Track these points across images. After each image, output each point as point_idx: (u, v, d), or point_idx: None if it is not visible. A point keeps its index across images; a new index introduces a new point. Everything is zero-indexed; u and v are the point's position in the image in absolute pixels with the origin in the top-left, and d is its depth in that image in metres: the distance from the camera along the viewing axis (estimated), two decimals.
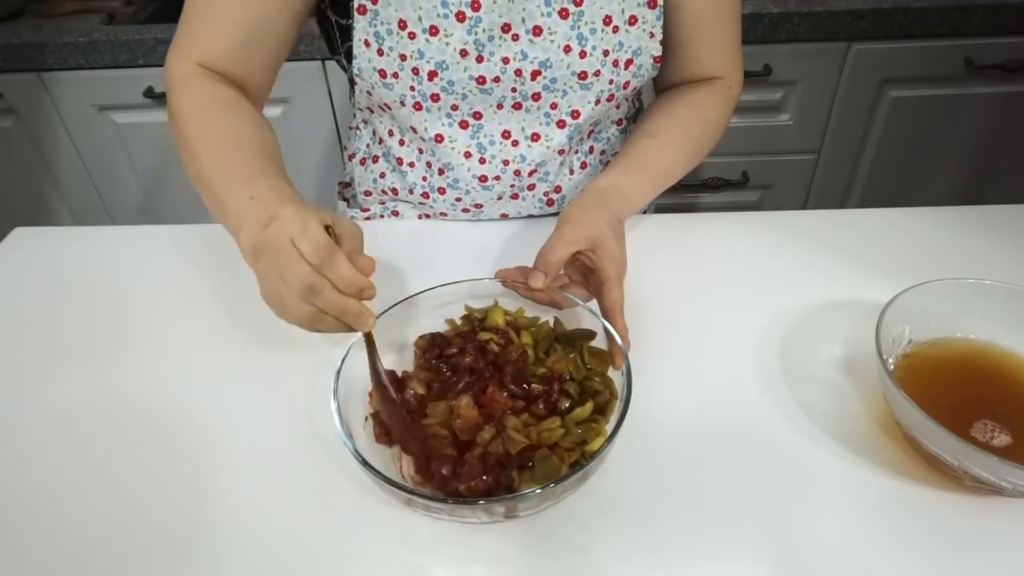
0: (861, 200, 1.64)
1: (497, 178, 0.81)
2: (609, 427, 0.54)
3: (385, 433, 0.56)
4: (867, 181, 1.60)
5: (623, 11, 0.71)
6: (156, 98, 1.41)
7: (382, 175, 0.87)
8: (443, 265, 0.77)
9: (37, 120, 1.48)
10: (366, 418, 0.57)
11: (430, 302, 0.64)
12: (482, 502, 0.49)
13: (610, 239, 0.64)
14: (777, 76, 1.42)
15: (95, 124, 1.48)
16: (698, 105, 0.80)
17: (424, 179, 0.84)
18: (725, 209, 1.20)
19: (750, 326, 0.68)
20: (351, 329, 0.55)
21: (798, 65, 1.41)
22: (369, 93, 0.76)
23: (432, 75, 0.71)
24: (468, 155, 0.79)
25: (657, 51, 0.75)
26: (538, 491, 0.47)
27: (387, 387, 0.57)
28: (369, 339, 0.56)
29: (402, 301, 0.62)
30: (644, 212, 0.93)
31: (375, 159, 0.87)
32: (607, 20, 0.70)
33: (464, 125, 0.77)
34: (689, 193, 1.63)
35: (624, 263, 0.65)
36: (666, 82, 0.84)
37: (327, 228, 0.54)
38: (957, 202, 1.35)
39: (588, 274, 0.66)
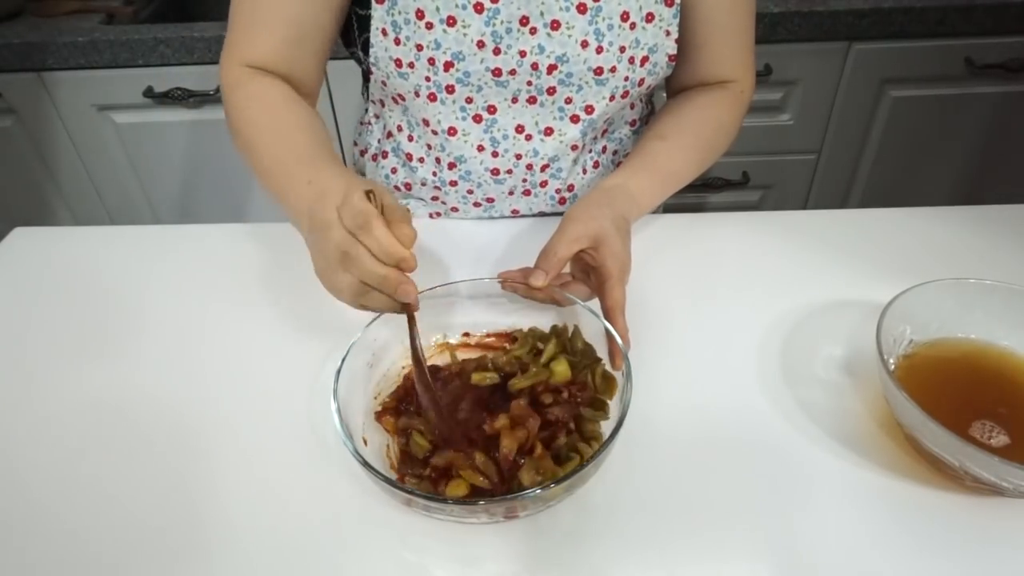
0: (861, 200, 1.63)
1: (509, 172, 0.81)
2: (609, 427, 0.54)
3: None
4: (867, 181, 1.60)
5: (640, 8, 0.71)
6: (156, 98, 1.41)
7: (393, 170, 0.87)
8: (451, 263, 0.77)
9: (37, 120, 1.48)
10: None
11: (431, 301, 0.64)
12: (482, 503, 0.49)
13: (612, 236, 0.64)
14: (778, 76, 1.42)
15: (95, 124, 1.48)
16: (709, 108, 0.80)
17: (434, 174, 0.84)
18: (725, 209, 1.20)
19: (750, 326, 0.68)
20: (399, 306, 0.53)
21: (799, 65, 1.41)
22: (384, 84, 0.76)
23: (448, 66, 0.71)
24: (481, 148, 0.79)
25: (673, 49, 0.75)
26: (538, 491, 0.47)
27: (423, 364, 0.56)
28: (410, 313, 0.54)
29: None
30: (653, 213, 0.93)
31: (385, 154, 0.87)
32: (624, 16, 0.70)
33: (478, 119, 0.77)
34: (690, 193, 1.63)
35: (627, 262, 0.65)
36: (679, 84, 0.84)
37: (369, 194, 0.53)
38: (957, 202, 1.35)
39: (591, 272, 0.66)
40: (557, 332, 0.62)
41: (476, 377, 0.59)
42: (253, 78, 0.72)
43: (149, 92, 1.41)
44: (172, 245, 0.82)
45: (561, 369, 0.58)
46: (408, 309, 0.54)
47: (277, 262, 0.78)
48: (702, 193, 1.64)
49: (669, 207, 0.93)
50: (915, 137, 1.52)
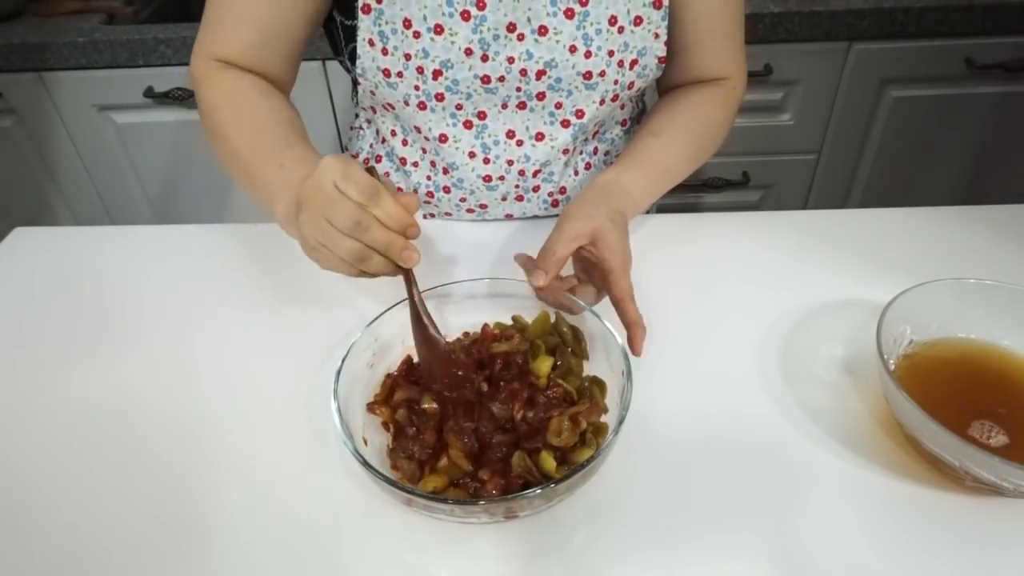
0: (861, 200, 1.63)
1: (501, 178, 0.81)
2: (609, 427, 0.54)
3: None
4: (867, 181, 1.60)
5: (628, 12, 0.70)
6: (156, 98, 1.41)
7: (386, 174, 0.87)
8: (448, 263, 0.77)
9: (37, 120, 1.48)
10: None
11: (430, 302, 0.64)
12: (482, 503, 0.49)
13: (610, 231, 0.64)
14: (778, 76, 1.42)
15: (95, 124, 1.48)
16: (700, 105, 0.80)
17: (428, 178, 0.84)
18: (726, 209, 1.20)
19: (751, 326, 0.68)
20: (396, 269, 0.57)
21: (799, 65, 1.41)
22: (373, 93, 0.77)
23: (437, 74, 0.71)
24: (472, 155, 0.79)
25: (662, 52, 0.75)
26: (538, 491, 0.47)
27: (426, 325, 0.58)
28: (410, 277, 0.58)
29: (402, 301, 0.62)
30: (647, 212, 0.93)
31: (378, 159, 0.87)
32: (612, 20, 0.70)
33: (468, 125, 0.77)
34: (690, 193, 1.63)
35: (628, 254, 0.64)
36: (670, 83, 0.84)
37: (369, 170, 0.57)
38: (957, 202, 1.35)
39: (592, 269, 0.66)
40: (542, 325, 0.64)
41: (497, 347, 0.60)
42: (224, 71, 0.73)
43: (149, 92, 1.41)
44: (172, 245, 0.82)
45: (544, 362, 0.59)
46: (405, 273, 0.57)
47: (278, 262, 0.78)
48: (701, 193, 1.64)
49: (669, 207, 0.93)
50: (915, 137, 1.52)
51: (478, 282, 0.65)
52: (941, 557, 0.49)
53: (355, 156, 0.91)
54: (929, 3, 1.32)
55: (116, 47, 1.35)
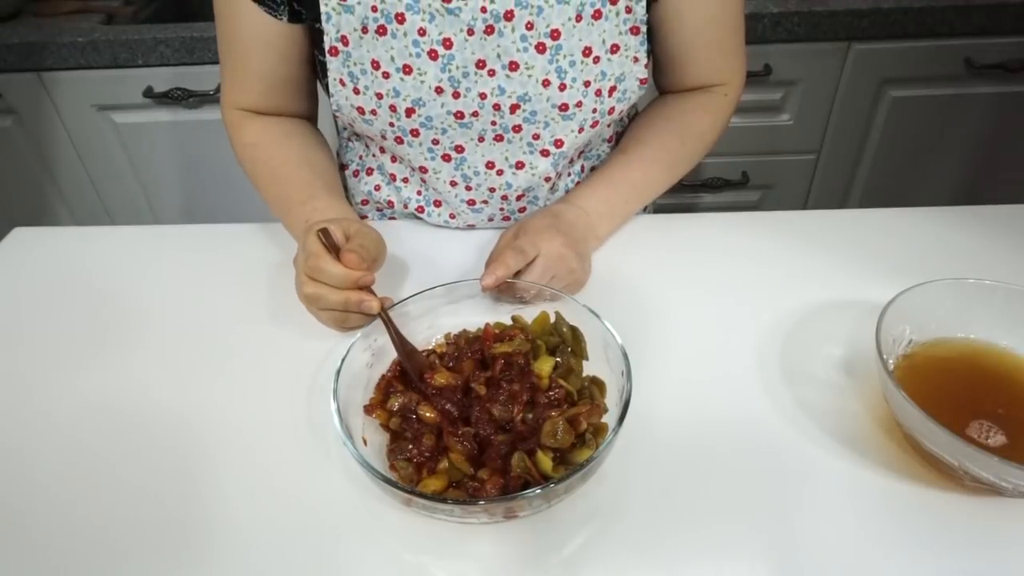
0: (861, 200, 1.63)
1: (485, 202, 0.81)
2: (609, 427, 0.54)
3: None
4: (867, 181, 1.60)
5: (604, 41, 0.69)
6: (156, 98, 1.41)
7: (377, 187, 0.87)
8: (448, 264, 0.77)
9: (37, 120, 1.48)
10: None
11: (430, 302, 0.64)
12: (482, 503, 0.49)
13: (530, 222, 0.69)
14: (777, 76, 1.42)
15: (95, 124, 1.48)
16: (679, 117, 0.81)
17: (419, 193, 0.84)
18: (725, 209, 1.20)
19: (750, 326, 0.68)
20: (374, 316, 0.60)
21: (798, 65, 1.41)
22: (351, 124, 0.77)
23: (410, 112, 0.71)
24: (454, 184, 0.79)
25: (643, 73, 0.74)
26: (538, 492, 0.47)
27: (409, 353, 0.60)
28: (383, 317, 0.60)
29: (397, 303, 0.62)
30: (645, 211, 0.93)
31: (369, 171, 0.87)
32: (587, 51, 0.69)
33: (447, 158, 0.77)
34: (689, 193, 1.63)
35: (537, 227, 0.69)
36: (668, 89, 0.83)
37: (323, 233, 0.61)
38: (957, 202, 1.35)
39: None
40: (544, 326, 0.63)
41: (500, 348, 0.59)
42: (248, 121, 0.78)
43: (149, 92, 1.41)
44: (172, 245, 0.83)
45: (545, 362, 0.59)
46: (380, 316, 0.60)
47: (277, 262, 0.78)
48: (700, 193, 1.64)
49: (669, 207, 0.93)
50: (915, 137, 1.52)
51: (476, 282, 0.65)
52: (940, 556, 0.49)
53: (344, 167, 0.91)
54: (928, 3, 1.32)
55: (116, 47, 1.35)
